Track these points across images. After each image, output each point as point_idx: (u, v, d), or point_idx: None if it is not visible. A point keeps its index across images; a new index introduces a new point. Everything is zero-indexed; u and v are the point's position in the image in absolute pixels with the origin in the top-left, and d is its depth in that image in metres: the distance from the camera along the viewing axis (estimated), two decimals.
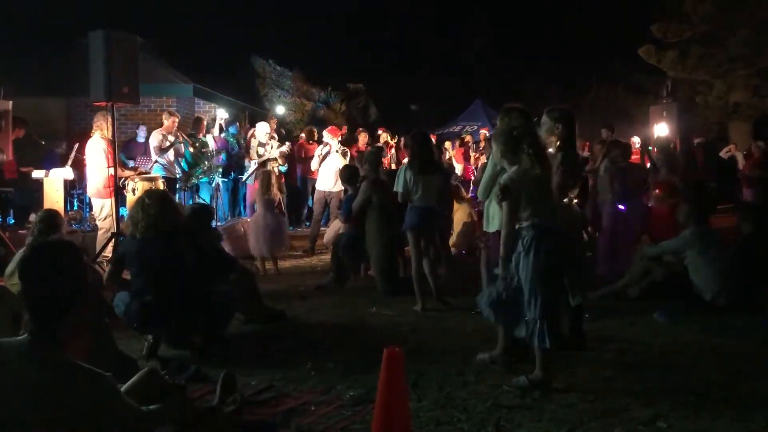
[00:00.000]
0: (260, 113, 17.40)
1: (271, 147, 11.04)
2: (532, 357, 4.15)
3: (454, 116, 21.67)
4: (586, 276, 4.93)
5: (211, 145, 11.04)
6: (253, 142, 11.14)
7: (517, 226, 4.13)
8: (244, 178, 11.14)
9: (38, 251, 2.42)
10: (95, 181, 8.28)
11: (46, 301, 2.29)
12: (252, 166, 10.90)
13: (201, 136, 11.01)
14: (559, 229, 4.18)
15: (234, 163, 12.01)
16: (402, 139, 13.53)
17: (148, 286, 4.73)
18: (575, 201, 4.99)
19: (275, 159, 10.99)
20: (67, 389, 2.24)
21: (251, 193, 10.81)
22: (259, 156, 10.92)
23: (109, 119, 8.02)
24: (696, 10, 17.43)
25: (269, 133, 11.34)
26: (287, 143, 11.92)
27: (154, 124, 12.67)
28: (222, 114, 13.02)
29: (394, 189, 6.51)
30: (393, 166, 11.98)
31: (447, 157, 13.27)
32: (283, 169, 11.36)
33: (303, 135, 13.15)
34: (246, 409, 3.58)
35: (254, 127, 11.94)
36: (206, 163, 10.41)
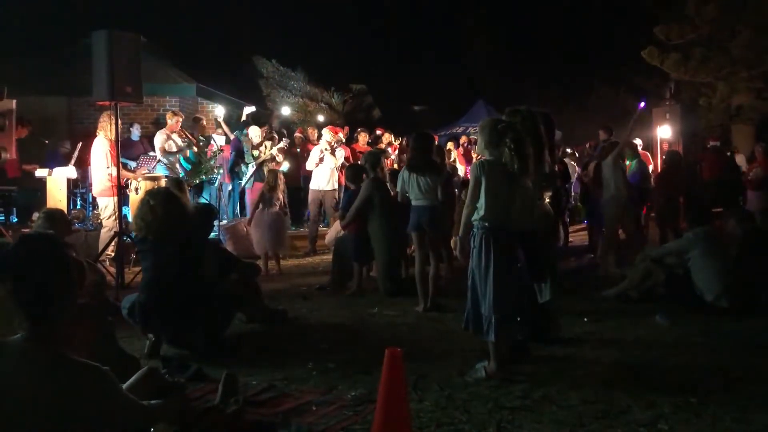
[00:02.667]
0: (263, 113, 17.40)
1: (266, 147, 11.01)
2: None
3: (457, 117, 21.64)
4: (555, 274, 4.99)
5: (216, 144, 11.02)
6: (246, 146, 11.12)
7: (472, 219, 4.24)
8: (244, 182, 11.10)
9: (20, 245, 2.42)
10: (99, 180, 8.33)
11: (33, 295, 2.28)
12: (249, 169, 10.87)
13: (203, 134, 11.00)
14: (521, 229, 4.21)
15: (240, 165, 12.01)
16: (404, 140, 13.56)
17: (156, 284, 4.75)
18: (547, 201, 5.03)
19: (272, 158, 10.93)
20: (64, 384, 2.24)
21: (252, 197, 10.76)
22: (255, 158, 10.90)
23: (113, 119, 8.05)
24: (699, 12, 17.38)
25: (262, 135, 11.28)
26: (285, 139, 11.87)
27: (159, 124, 12.72)
28: (220, 112, 12.96)
29: (397, 188, 6.55)
30: (396, 167, 11.97)
31: (452, 158, 13.25)
32: (284, 168, 11.34)
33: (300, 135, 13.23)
34: (247, 408, 3.58)
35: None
36: (210, 162, 10.40)
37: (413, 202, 6.29)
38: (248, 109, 12.75)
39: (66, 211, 9.12)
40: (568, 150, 14.57)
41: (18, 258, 2.35)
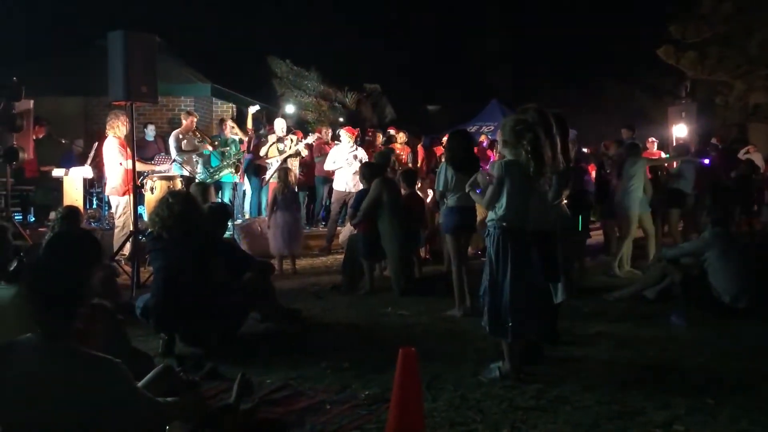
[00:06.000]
0: (277, 113, 17.45)
1: (291, 141, 11.00)
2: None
3: (471, 116, 21.57)
4: (570, 276, 4.95)
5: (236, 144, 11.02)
6: (272, 138, 11.05)
7: (487, 219, 4.23)
8: (268, 177, 10.94)
9: (47, 245, 2.45)
10: (111, 179, 8.41)
11: (54, 294, 2.30)
12: (274, 164, 10.76)
13: (227, 135, 11.02)
14: (537, 229, 4.21)
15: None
16: (411, 140, 13.48)
17: (168, 284, 4.78)
18: (564, 201, 5.00)
19: (297, 153, 10.87)
20: (81, 378, 2.25)
21: (273, 191, 10.71)
22: (280, 152, 10.84)
23: (122, 118, 8.11)
24: (715, 10, 17.27)
25: (284, 129, 11.25)
26: (313, 135, 11.85)
27: (174, 124, 12.79)
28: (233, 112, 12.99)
29: (435, 188, 6.41)
30: (410, 166, 11.95)
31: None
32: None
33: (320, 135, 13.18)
34: (261, 407, 3.59)
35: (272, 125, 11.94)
36: (229, 161, 10.40)
37: (456, 203, 6.00)
38: (253, 109, 12.76)
39: (82, 211, 9.23)
40: (585, 150, 14.46)
41: (42, 257, 2.37)
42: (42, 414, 2.23)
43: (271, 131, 11.45)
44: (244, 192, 12.02)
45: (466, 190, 4.80)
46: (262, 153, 11.01)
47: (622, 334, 5.28)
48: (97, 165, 9.83)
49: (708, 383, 4.08)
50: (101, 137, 9.22)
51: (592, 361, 4.56)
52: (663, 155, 12.61)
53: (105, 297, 4.60)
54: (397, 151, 12.04)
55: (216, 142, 10.55)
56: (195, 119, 10.49)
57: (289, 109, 18.09)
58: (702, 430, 3.39)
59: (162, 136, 12.06)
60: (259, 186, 11.63)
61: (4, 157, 8.09)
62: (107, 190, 8.77)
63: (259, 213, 11.62)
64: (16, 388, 2.24)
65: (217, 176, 10.17)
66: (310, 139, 11.37)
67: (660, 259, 6.75)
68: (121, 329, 3.77)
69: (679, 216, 9.52)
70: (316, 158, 12.04)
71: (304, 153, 11.11)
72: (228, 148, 10.56)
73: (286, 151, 10.83)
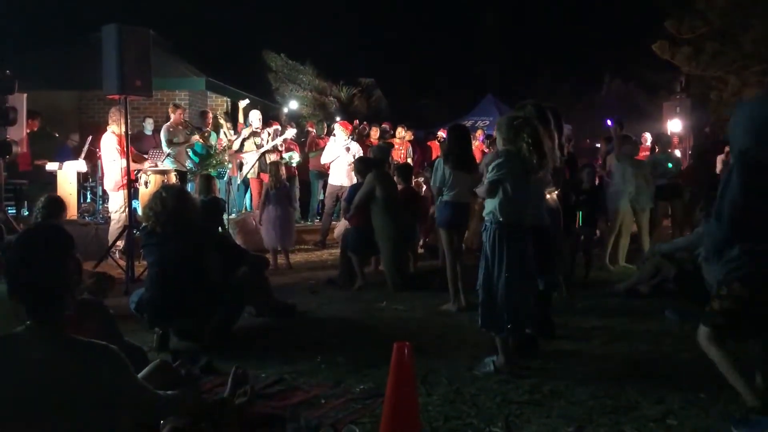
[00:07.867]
0: (272, 107, 17.42)
1: (268, 135, 10.83)
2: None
3: (466, 111, 21.58)
4: (559, 268, 4.97)
5: (225, 138, 10.93)
6: (245, 132, 10.73)
7: (484, 213, 4.24)
8: (244, 172, 10.71)
9: (31, 235, 2.43)
10: (110, 174, 8.38)
11: (42, 285, 2.29)
12: (251, 158, 10.52)
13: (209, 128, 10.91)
14: (533, 224, 4.21)
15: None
16: (409, 134, 13.46)
17: (163, 278, 4.77)
18: (555, 192, 5.01)
19: (275, 148, 10.64)
20: (76, 365, 2.24)
21: (256, 187, 10.57)
22: (257, 146, 10.60)
23: (123, 113, 8.09)
24: (710, 6, 17.27)
25: (260, 121, 10.94)
26: (292, 129, 11.72)
27: (169, 118, 12.73)
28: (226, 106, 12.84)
29: (432, 184, 6.41)
30: (410, 161, 11.96)
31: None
32: (295, 161, 11.25)
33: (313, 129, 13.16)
34: (256, 401, 3.59)
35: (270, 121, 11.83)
36: (221, 156, 10.33)
37: (451, 198, 6.01)
38: (243, 103, 12.69)
39: (76, 205, 9.21)
40: (597, 145, 14.48)
41: (27, 247, 2.36)
42: (39, 403, 2.22)
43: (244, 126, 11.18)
44: (239, 186, 11.96)
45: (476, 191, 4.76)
46: (235, 147, 10.72)
47: (616, 329, 5.30)
48: (91, 159, 9.80)
49: (701, 378, 4.08)
50: (96, 131, 9.20)
51: (587, 356, 4.57)
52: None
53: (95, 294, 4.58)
54: (396, 146, 12.03)
55: (206, 134, 10.51)
56: (183, 111, 10.45)
57: (293, 105, 18.03)
58: (695, 425, 3.40)
59: (158, 131, 12.01)
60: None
61: None
62: (106, 185, 8.75)
63: (248, 207, 11.50)
64: (10, 378, 2.24)
65: (210, 168, 10.12)
66: (288, 134, 11.20)
67: (654, 254, 6.77)
68: (114, 324, 3.76)
69: (682, 207, 9.49)
70: (310, 153, 12.02)
71: (282, 148, 10.91)
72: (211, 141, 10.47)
73: (264, 145, 10.59)
